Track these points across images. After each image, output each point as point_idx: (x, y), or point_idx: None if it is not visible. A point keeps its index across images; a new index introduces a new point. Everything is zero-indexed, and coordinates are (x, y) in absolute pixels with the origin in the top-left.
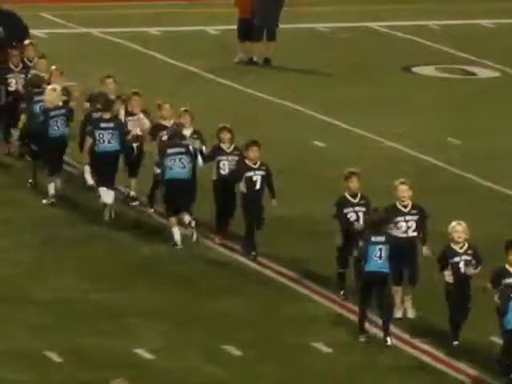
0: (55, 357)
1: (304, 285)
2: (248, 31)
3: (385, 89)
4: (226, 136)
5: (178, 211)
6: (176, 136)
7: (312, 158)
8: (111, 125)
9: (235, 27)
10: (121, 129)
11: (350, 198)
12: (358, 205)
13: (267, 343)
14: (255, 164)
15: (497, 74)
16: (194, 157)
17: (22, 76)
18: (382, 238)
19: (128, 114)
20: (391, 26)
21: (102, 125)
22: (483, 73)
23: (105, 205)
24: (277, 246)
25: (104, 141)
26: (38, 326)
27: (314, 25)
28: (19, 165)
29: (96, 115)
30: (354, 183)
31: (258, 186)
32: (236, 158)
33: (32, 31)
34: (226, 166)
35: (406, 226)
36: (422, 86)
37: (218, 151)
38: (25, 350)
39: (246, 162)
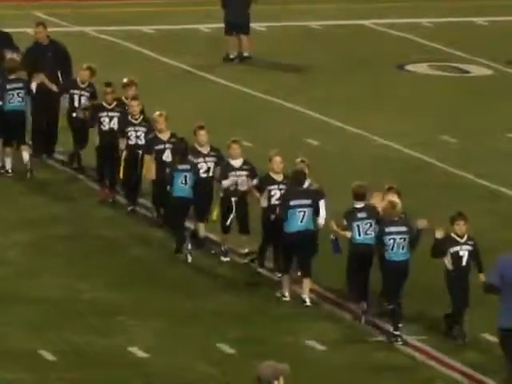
0: (49, 355)
1: (298, 283)
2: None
3: (378, 86)
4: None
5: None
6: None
7: (305, 156)
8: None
9: None
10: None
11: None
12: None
13: (261, 341)
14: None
15: (490, 72)
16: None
17: (116, 114)
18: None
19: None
20: (385, 23)
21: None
22: (477, 70)
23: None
24: None
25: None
26: (32, 324)
27: (307, 22)
28: (16, 166)
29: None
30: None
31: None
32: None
33: (25, 30)
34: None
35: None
36: (416, 83)
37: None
38: (19, 348)
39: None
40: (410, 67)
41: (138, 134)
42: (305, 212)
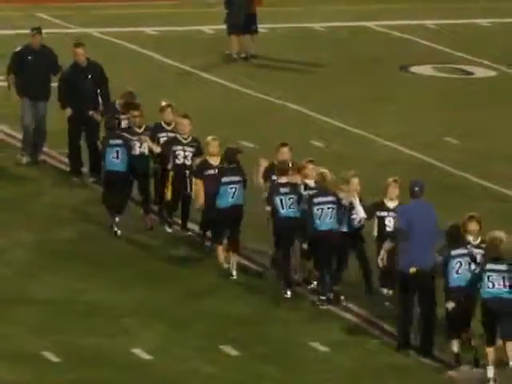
0: (52, 357)
1: (301, 284)
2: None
3: (382, 88)
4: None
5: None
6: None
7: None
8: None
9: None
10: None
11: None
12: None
13: (264, 343)
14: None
15: (494, 74)
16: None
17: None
18: None
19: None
20: (389, 25)
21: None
22: (480, 72)
23: None
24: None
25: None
26: (35, 326)
27: (310, 24)
28: (15, 167)
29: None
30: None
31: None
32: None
33: (28, 32)
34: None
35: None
36: (420, 85)
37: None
38: (22, 350)
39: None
40: (413, 69)
41: (187, 153)
42: (236, 188)
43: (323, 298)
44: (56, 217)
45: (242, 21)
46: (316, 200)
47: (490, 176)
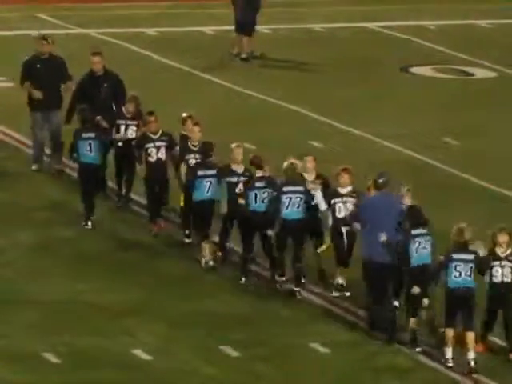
0: (53, 358)
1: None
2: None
3: (382, 89)
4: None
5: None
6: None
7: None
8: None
9: (233, 27)
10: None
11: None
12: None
13: (264, 344)
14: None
15: (494, 75)
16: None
17: (163, 144)
18: None
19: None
20: (389, 26)
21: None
22: (480, 73)
23: None
24: None
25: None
26: (35, 327)
27: (311, 25)
28: (15, 167)
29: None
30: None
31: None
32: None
33: (29, 32)
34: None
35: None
36: (420, 86)
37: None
38: (22, 350)
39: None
40: (413, 70)
41: (198, 160)
42: (211, 182)
43: (283, 278)
44: (56, 217)
45: (250, 20)
46: (285, 189)
47: (489, 176)
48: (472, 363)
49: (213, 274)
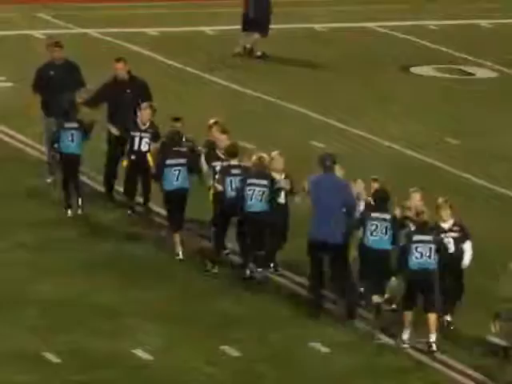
0: (54, 358)
1: (301, 285)
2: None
3: (383, 89)
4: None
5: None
6: None
7: (310, 158)
8: None
9: (233, 27)
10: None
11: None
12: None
13: (265, 344)
14: None
15: (495, 75)
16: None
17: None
18: None
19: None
20: (389, 26)
21: None
22: (481, 73)
23: None
24: None
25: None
26: (36, 327)
27: (312, 25)
28: (15, 168)
29: None
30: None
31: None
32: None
33: (30, 32)
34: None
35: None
36: (420, 86)
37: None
38: (23, 351)
39: None
40: (414, 69)
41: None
42: (179, 171)
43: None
44: (56, 217)
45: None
46: (249, 181)
47: (490, 176)
48: (434, 346)
49: (212, 274)
